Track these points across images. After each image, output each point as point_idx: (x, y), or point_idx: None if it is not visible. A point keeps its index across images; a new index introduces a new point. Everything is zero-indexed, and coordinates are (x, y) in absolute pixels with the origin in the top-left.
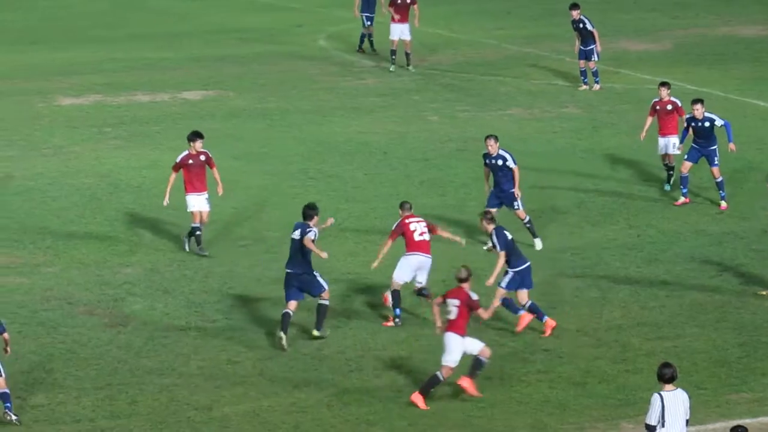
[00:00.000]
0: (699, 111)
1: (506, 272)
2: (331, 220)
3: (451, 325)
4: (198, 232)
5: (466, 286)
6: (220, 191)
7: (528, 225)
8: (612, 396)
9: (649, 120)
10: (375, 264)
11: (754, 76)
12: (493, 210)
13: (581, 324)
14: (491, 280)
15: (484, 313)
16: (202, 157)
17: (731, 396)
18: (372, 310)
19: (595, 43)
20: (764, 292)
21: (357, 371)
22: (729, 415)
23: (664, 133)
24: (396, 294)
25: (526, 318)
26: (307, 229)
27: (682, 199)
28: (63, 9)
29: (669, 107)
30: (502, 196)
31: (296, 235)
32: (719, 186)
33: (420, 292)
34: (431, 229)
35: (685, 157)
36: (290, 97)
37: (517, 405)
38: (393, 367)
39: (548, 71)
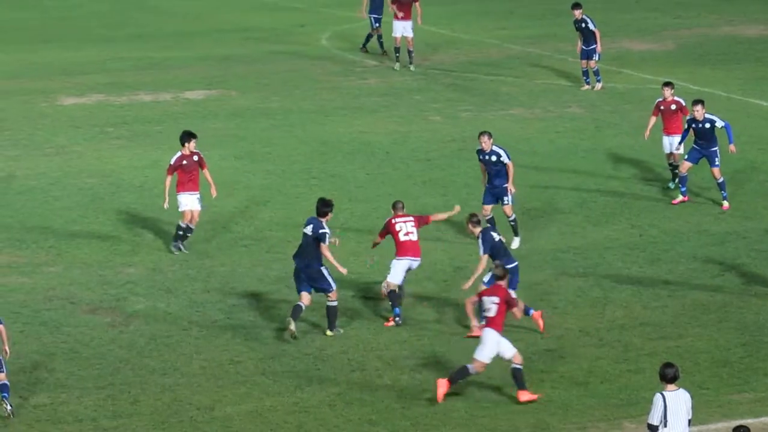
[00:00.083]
0: (699, 112)
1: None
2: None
3: (489, 322)
4: (181, 232)
5: (503, 283)
6: (214, 193)
7: (512, 223)
8: (614, 396)
9: (653, 120)
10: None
11: (756, 76)
12: (489, 207)
13: (583, 324)
14: (468, 284)
15: (518, 312)
16: (195, 158)
17: (733, 396)
18: (374, 310)
19: (596, 43)
20: None
21: (359, 371)
22: (731, 415)
23: (669, 132)
24: (393, 294)
25: (537, 317)
26: (321, 230)
27: (680, 198)
28: (68, 9)
29: (673, 107)
30: (495, 191)
31: (308, 230)
32: (721, 186)
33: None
34: (424, 221)
35: (686, 157)
36: (293, 97)
37: (520, 405)
38: (395, 367)
39: (551, 71)
